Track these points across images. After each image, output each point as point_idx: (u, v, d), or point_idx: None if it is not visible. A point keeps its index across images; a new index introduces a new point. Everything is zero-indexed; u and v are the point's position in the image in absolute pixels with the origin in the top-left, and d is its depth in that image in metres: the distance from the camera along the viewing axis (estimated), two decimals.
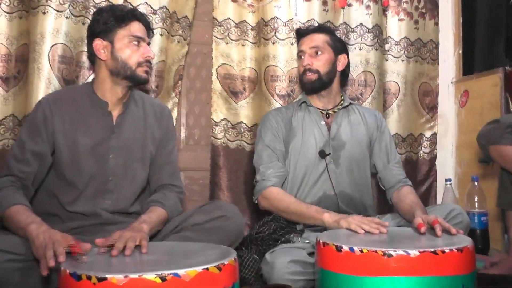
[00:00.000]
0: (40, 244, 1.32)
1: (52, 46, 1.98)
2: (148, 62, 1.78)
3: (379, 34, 2.59)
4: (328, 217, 1.80)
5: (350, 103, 2.20)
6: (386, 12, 2.68)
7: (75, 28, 2.05)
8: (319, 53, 2.11)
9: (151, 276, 1.06)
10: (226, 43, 2.45)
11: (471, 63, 2.76)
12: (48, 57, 1.98)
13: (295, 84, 2.45)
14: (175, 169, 1.90)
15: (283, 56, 2.44)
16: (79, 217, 1.67)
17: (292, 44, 2.42)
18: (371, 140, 2.17)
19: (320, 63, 2.10)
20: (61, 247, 1.27)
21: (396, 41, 2.70)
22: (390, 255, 1.28)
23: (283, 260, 1.64)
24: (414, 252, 1.28)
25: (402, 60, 2.70)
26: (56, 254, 1.25)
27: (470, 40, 2.78)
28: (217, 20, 2.44)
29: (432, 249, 1.29)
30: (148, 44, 1.80)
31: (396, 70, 2.70)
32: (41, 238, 1.34)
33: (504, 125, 1.99)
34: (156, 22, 2.20)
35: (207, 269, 1.13)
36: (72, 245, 1.28)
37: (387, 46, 2.68)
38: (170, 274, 1.07)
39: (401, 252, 1.28)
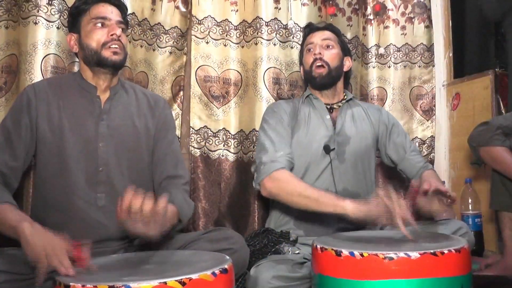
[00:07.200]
0: (38, 250, 1.26)
1: (44, 57, 1.95)
2: (117, 41, 1.63)
3: (357, 45, 2.62)
4: (351, 204, 1.68)
5: (352, 98, 2.19)
6: (372, 22, 2.71)
7: (66, 38, 2.01)
8: (330, 46, 2.11)
9: (104, 286, 1.07)
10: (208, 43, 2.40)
11: (462, 66, 2.80)
12: (41, 68, 1.95)
13: (296, 88, 2.45)
14: (178, 159, 1.78)
15: (284, 59, 2.43)
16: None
17: (292, 47, 2.41)
18: (377, 136, 2.16)
19: (331, 56, 2.10)
20: (66, 259, 1.23)
21: (382, 48, 2.73)
22: (391, 258, 1.27)
23: (266, 276, 1.58)
24: (414, 254, 1.28)
25: (389, 67, 2.73)
26: (64, 266, 1.22)
27: (460, 43, 2.81)
28: (197, 18, 2.37)
29: (432, 251, 1.29)
30: (121, 24, 1.67)
31: (383, 76, 2.72)
32: (37, 241, 1.28)
33: (494, 126, 2.01)
34: (138, 33, 2.22)
35: (165, 283, 1.06)
36: (73, 253, 1.25)
37: (371, 54, 2.71)
38: (122, 286, 1.06)
39: (402, 254, 1.28)
